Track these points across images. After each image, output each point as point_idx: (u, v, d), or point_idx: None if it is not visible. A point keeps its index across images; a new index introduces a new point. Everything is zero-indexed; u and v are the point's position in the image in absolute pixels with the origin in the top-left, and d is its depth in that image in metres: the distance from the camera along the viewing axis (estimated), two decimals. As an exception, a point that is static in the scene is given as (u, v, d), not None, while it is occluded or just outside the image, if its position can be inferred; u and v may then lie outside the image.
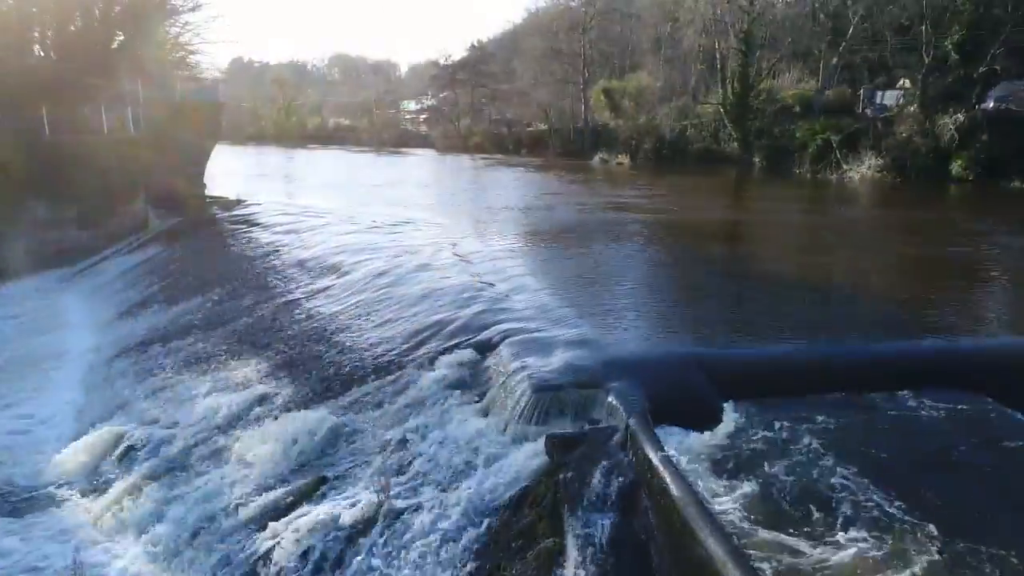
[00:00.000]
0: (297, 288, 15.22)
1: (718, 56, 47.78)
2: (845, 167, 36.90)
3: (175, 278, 18.59)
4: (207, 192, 30.22)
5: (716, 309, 11.80)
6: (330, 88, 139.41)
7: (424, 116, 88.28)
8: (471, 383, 8.79)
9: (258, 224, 23.42)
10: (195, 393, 10.98)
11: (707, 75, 53.96)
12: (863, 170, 36.17)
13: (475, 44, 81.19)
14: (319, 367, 10.66)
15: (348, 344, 11.19)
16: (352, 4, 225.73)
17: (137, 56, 28.13)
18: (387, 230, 20.36)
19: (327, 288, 14.64)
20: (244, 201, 28.84)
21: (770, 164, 42.21)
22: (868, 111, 41.53)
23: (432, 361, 9.47)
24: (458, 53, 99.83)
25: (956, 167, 33.68)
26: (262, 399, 10.10)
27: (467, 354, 9.35)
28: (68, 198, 24.17)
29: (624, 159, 49.88)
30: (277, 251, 19.07)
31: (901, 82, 41.43)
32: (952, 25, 35.99)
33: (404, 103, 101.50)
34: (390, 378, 9.52)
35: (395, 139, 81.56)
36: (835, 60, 42.35)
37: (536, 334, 9.44)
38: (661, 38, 57.46)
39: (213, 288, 16.86)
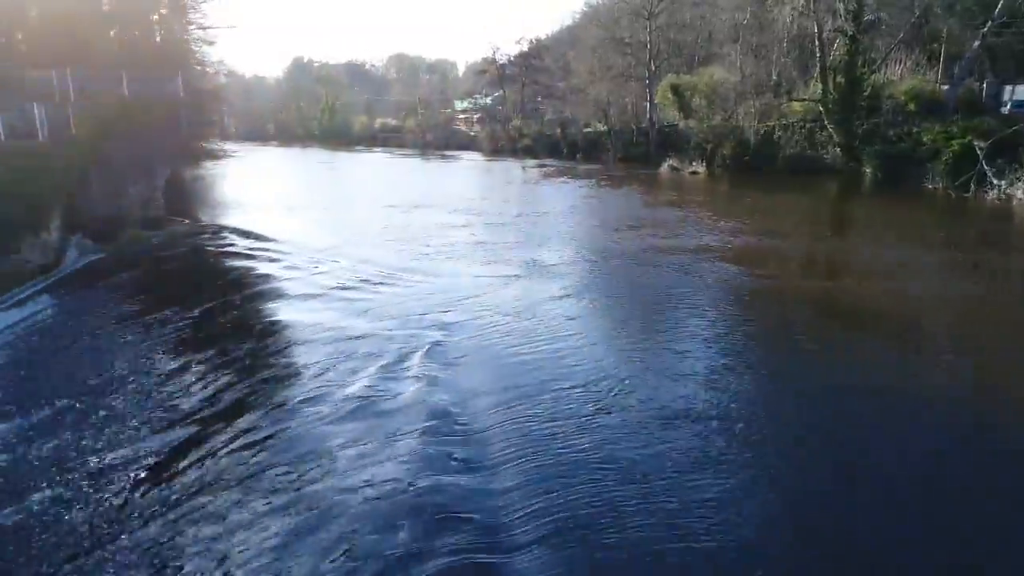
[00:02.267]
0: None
1: (816, 43, 39.05)
2: (997, 183, 27.98)
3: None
4: (163, 214, 23.80)
5: None
6: (384, 88, 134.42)
7: (477, 116, 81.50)
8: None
9: (190, 270, 16.83)
10: None
11: (797, 67, 45.36)
12: (1032, 188, 27.21)
13: (528, 38, 74.04)
14: None
15: None
16: (411, 4, 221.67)
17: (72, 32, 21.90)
18: (358, 300, 13.37)
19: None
20: (205, 227, 22.34)
21: (886, 176, 33.47)
22: (1005, 109, 32.53)
23: None
24: (511, 48, 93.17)
25: None
26: None
27: None
28: (-46, 226, 17.96)
29: (699, 167, 41.70)
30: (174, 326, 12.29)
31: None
32: None
33: (457, 102, 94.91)
34: None
35: (440, 141, 75.02)
36: (976, 44, 33.27)
37: None
38: (742, 23, 48.76)
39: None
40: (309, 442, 8.13)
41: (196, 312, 13.59)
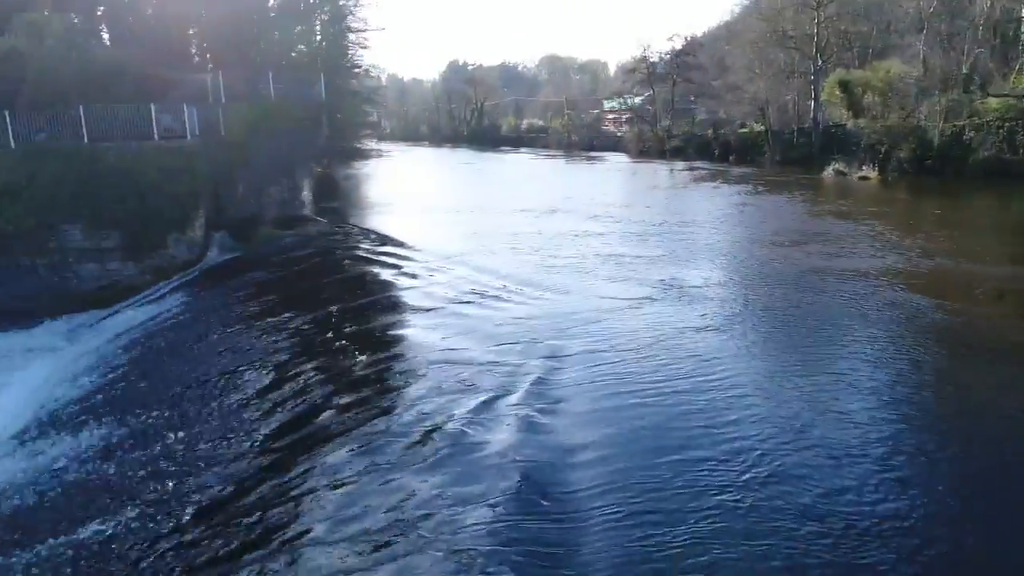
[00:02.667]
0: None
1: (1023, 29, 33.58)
2: None
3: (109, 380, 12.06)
4: (303, 212, 24.20)
5: None
6: (535, 89, 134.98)
7: (626, 116, 79.03)
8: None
9: (312, 272, 16.65)
10: None
11: (995, 58, 39.50)
12: None
13: (682, 34, 70.72)
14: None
15: None
16: (565, 5, 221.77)
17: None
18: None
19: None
20: (337, 228, 22.43)
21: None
22: None
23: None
24: (662, 46, 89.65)
25: None
26: None
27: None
28: (109, 222, 19.01)
29: (869, 172, 37.29)
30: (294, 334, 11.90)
31: None
32: None
33: (606, 102, 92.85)
34: None
35: (585, 141, 73.53)
36: None
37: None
38: (928, 11, 43.15)
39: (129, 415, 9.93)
40: (384, 490, 7.06)
41: (307, 320, 13.12)
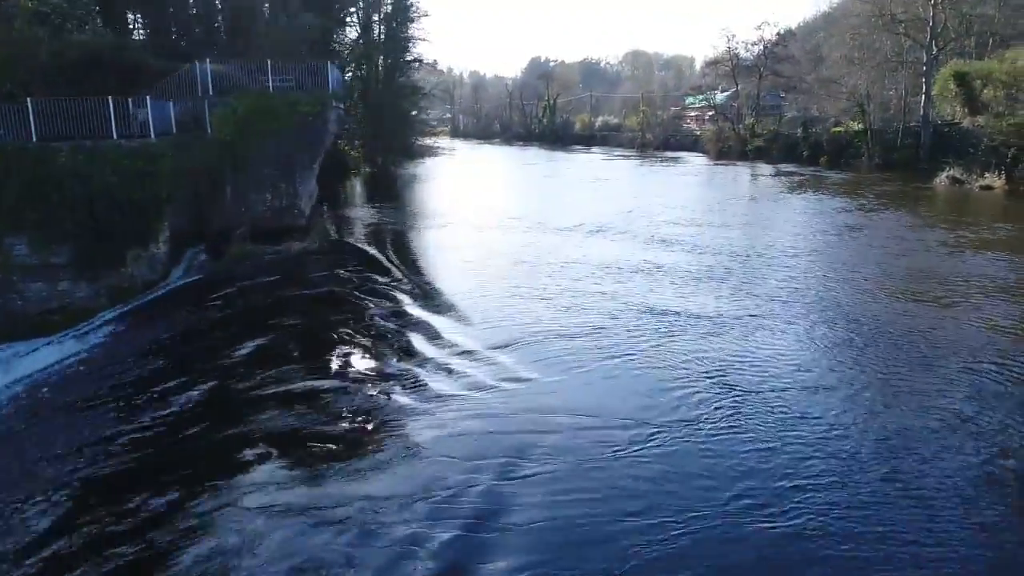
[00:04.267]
0: None
1: None
2: None
3: None
4: (303, 223, 21.00)
5: None
6: (617, 85, 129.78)
7: (709, 114, 73.00)
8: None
9: (266, 310, 13.16)
10: None
11: None
12: None
13: (771, 23, 64.53)
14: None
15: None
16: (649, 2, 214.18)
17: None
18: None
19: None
20: (330, 247, 19.14)
21: None
22: None
23: None
24: (750, 35, 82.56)
25: None
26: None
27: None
28: (59, 234, 16.25)
29: (994, 179, 31.14)
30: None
31: None
32: None
33: (688, 98, 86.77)
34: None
35: (659, 140, 68.36)
36: None
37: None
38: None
39: None
40: None
41: (214, 385, 9.73)
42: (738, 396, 9.31)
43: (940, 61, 41.43)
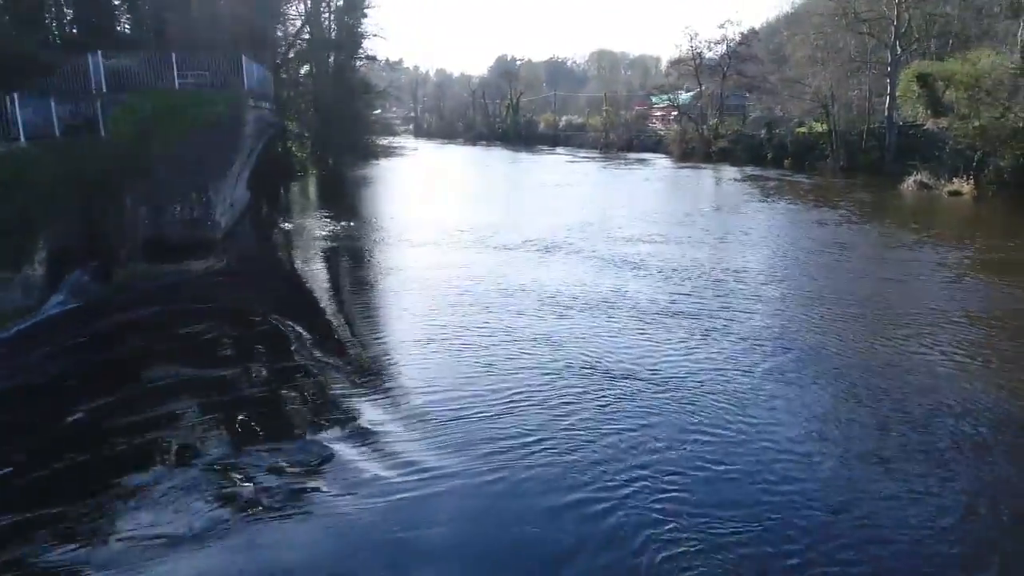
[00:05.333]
0: None
1: None
2: None
3: None
4: (216, 236, 18.81)
5: None
6: (583, 84, 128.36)
7: (674, 114, 71.65)
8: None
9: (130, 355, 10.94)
10: None
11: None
12: None
13: (734, 21, 63.42)
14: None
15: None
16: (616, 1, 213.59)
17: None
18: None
19: None
20: (234, 269, 16.92)
21: None
22: None
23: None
24: (713, 34, 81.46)
25: None
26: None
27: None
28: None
29: (962, 185, 30.06)
30: None
31: None
32: None
33: (653, 98, 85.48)
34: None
35: (623, 141, 66.96)
36: None
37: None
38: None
39: None
40: None
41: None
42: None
43: (903, 62, 40.54)
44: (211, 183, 18.31)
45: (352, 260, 19.19)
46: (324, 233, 22.37)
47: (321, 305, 14.79)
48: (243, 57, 18.38)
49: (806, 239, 21.53)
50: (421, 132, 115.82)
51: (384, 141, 67.57)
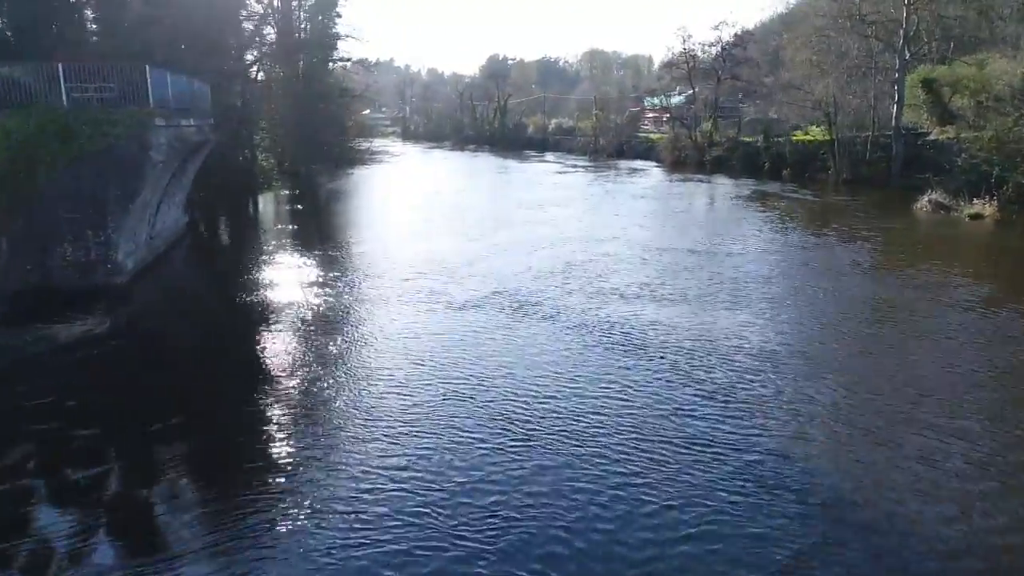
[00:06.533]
0: None
1: None
2: None
3: None
4: (121, 280, 15.85)
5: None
6: (575, 85, 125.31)
7: (666, 117, 68.52)
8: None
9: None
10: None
11: None
12: None
13: (729, 23, 60.71)
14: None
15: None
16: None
17: None
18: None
19: None
20: (125, 326, 13.88)
21: None
22: None
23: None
24: (707, 35, 78.55)
25: None
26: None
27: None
28: None
29: (985, 207, 27.25)
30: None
31: None
32: None
33: (648, 100, 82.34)
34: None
35: (614, 147, 64.06)
36: None
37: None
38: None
39: None
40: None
41: None
42: None
43: (911, 66, 37.85)
44: (111, 218, 15.33)
45: (278, 315, 14.67)
46: (257, 266, 19.32)
47: (201, 408, 10.23)
48: (147, 68, 15.37)
49: (825, 295, 16.56)
50: (409, 135, 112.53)
51: (367, 144, 64.55)
